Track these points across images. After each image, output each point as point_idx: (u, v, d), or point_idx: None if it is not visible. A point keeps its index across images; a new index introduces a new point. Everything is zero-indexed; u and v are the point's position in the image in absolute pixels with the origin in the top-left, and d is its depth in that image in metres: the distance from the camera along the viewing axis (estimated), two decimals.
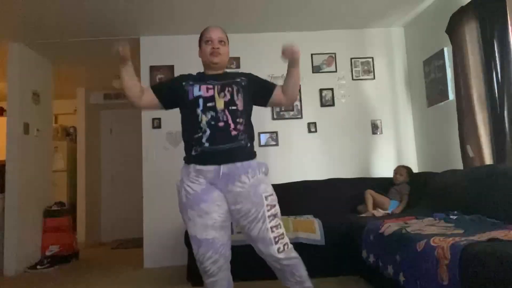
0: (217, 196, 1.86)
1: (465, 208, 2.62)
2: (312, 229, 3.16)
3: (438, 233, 2.16)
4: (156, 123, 4.16)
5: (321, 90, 4.29)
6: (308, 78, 4.29)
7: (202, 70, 2.09)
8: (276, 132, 4.18)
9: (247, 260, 3.10)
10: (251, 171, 1.87)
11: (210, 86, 1.89)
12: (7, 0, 3.32)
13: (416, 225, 2.48)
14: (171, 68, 4.22)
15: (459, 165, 3.26)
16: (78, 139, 5.95)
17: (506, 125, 2.76)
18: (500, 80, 2.79)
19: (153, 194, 4.07)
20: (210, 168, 1.84)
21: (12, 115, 4.13)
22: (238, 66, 4.20)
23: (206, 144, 1.84)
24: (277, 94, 2.05)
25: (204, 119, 1.84)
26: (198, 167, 1.86)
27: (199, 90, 1.89)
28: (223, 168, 1.84)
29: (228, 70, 2.11)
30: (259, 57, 4.23)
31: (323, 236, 3.14)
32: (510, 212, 2.28)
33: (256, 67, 4.23)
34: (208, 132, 1.84)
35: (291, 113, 4.23)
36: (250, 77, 2.04)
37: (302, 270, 1.90)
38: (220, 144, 1.84)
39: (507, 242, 1.74)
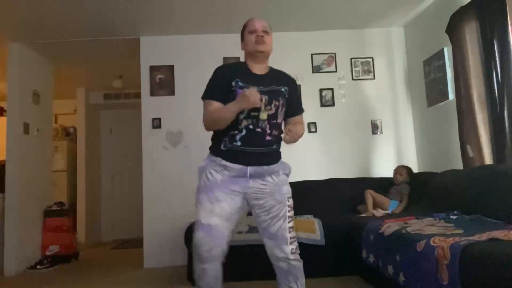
0: (235, 190, 1.86)
1: (465, 208, 2.62)
2: (312, 229, 3.16)
3: (438, 233, 2.16)
4: (156, 123, 4.16)
5: (321, 90, 4.29)
6: (308, 78, 4.29)
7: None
8: None
9: (247, 260, 3.12)
10: (276, 172, 1.93)
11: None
12: (7, 0, 3.32)
13: (416, 225, 2.48)
14: (171, 68, 4.22)
15: (459, 165, 3.26)
16: (78, 139, 5.95)
17: (506, 125, 2.76)
18: (500, 80, 2.79)
19: (153, 194, 4.06)
20: (237, 167, 1.85)
21: (12, 115, 4.13)
22: None
23: (238, 143, 1.85)
24: (295, 120, 2.03)
25: (244, 123, 1.85)
26: (225, 162, 1.86)
27: None
28: (250, 169, 1.85)
29: (271, 67, 2.05)
30: None
31: (323, 236, 3.14)
32: (510, 212, 2.27)
33: None
34: (244, 132, 1.85)
35: None
36: (292, 88, 2.01)
37: (303, 276, 1.93)
38: (252, 146, 1.86)
39: (507, 242, 1.74)
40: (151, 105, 4.18)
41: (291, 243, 1.88)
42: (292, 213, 1.93)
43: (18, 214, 4.04)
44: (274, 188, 1.90)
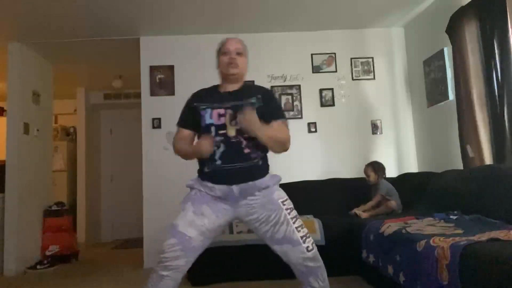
0: (222, 209, 1.86)
1: (465, 208, 2.61)
2: (312, 229, 3.16)
3: (438, 233, 2.16)
4: (156, 123, 4.16)
5: (321, 90, 4.29)
6: (308, 78, 4.29)
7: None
8: None
9: (247, 260, 3.12)
10: (264, 187, 1.88)
11: (222, 112, 1.85)
12: (7, 0, 3.32)
13: (416, 225, 2.48)
14: (171, 68, 4.22)
15: (459, 165, 3.26)
16: (78, 139, 5.96)
17: (506, 125, 2.76)
18: (500, 80, 2.79)
19: (153, 194, 4.06)
20: (222, 187, 1.84)
21: (12, 115, 4.13)
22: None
23: (218, 162, 1.84)
24: (271, 125, 1.93)
25: (217, 138, 1.85)
26: (211, 184, 1.86)
27: (211, 117, 1.87)
28: (235, 188, 1.83)
29: (246, 82, 2.06)
30: (259, 57, 4.23)
31: (323, 236, 3.14)
32: (510, 212, 2.27)
33: (256, 67, 4.24)
34: (222, 147, 1.84)
35: (291, 113, 4.23)
36: (267, 96, 1.97)
37: (325, 274, 1.89)
38: (232, 162, 1.83)
39: (507, 242, 1.74)
40: (151, 105, 4.18)
41: (304, 242, 1.83)
42: (294, 213, 1.89)
43: (18, 214, 4.04)
44: (263, 200, 1.86)
